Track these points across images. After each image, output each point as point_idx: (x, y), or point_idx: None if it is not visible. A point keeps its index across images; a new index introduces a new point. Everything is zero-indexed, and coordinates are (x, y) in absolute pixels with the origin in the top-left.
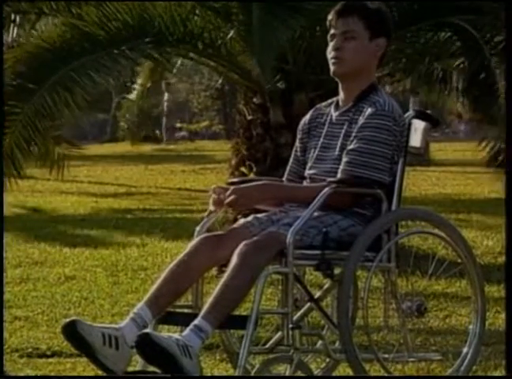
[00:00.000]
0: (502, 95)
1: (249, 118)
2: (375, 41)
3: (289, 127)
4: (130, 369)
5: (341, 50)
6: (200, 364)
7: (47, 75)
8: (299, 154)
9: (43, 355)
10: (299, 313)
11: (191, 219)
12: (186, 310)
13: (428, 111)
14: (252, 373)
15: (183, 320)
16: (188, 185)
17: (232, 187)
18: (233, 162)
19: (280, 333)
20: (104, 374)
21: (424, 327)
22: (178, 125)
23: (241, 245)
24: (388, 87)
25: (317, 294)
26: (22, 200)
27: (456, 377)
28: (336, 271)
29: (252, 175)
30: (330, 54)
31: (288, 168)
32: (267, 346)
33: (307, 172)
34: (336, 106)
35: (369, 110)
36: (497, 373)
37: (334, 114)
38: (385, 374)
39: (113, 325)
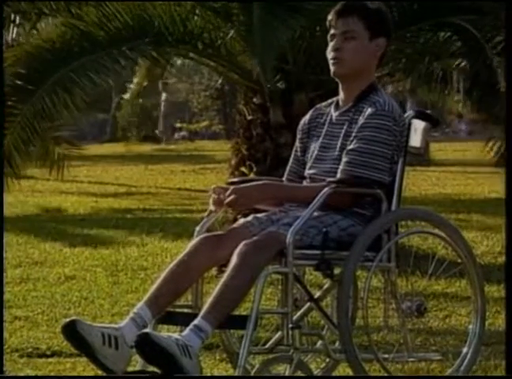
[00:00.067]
0: None
1: (249, 118)
2: (375, 41)
3: (289, 127)
4: (130, 369)
5: (341, 51)
6: (200, 364)
7: (46, 76)
8: (298, 154)
9: (43, 355)
10: (298, 313)
11: (191, 219)
12: (185, 310)
13: (428, 111)
14: (252, 373)
15: (183, 320)
16: (188, 185)
17: (232, 187)
18: (233, 162)
19: (279, 333)
20: (104, 374)
21: (424, 327)
22: (178, 125)
23: (241, 245)
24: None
25: (317, 294)
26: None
27: (456, 377)
28: (336, 271)
29: (252, 175)
30: (330, 54)
31: (287, 168)
32: (267, 346)
33: (307, 172)
34: (336, 106)
35: (369, 110)
36: (497, 373)
37: (334, 114)
38: (385, 374)
39: (113, 325)
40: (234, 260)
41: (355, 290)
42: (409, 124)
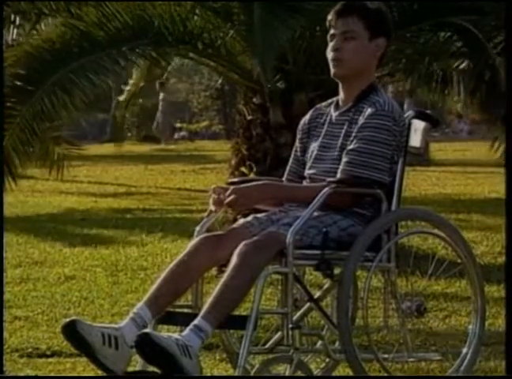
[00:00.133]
0: None
1: (249, 118)
2: (375, 41)
3: (289, 127)
4: (130, 369)
5: (341, 51)
6: (200, 364)
7: (46, 76)
8: (298, 154)
9: (43, 355)
10: (298, 313)
11: (191, 219)
12: (185, 310)
13: (428, 111)
14: (252, 373)
15: (183, 320)
16: (188, 185)
17: (232, 187)
18: (233, 162)
19: (279, 333)
20: (104, 374)
21: (424, 327)
22: (178, 125)
23: (241, 245)
24: (389, 87)
25: (317, 294)
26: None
27: (456, 377)
28: (336, 271)
29: (252, 175)
30: (330, 54)
31: (287, 168)
32: (267, 346)
33: (307, 172)
34: (336, 106)
35: (369, 111)
36: (497, 374)
37: (334, 114)
38: (385, 374)
39: (113, 325)
40: (234, 260)
41: (355, 290)
42: (409, 124)
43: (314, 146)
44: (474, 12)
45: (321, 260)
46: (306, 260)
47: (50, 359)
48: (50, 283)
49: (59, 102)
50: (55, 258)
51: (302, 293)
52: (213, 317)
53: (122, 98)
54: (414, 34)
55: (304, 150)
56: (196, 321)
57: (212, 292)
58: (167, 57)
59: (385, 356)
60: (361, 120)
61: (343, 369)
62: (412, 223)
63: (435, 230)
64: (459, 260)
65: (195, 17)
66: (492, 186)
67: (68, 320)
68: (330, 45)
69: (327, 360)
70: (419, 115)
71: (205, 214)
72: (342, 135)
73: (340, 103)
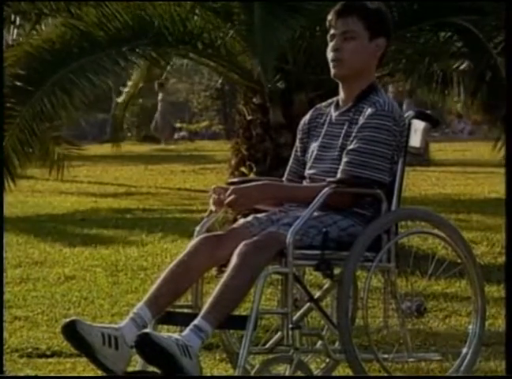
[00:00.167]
0: None
1: (249, 118)
2: (375, 41)
3: (289, 127)
4: (130, 369)
5: (341, 51)
6: (200, 364)
7: (45, 77)
8: (298, 154)
9: (42, 355)
10: (298, 313)
11: (191, 219)
12: (185, 310)
13: (428, 111)
14: (252, 373)
15: (183, 320)
16: (188, 185)
17: (232, 187)
18: (233, 162)
19: (279, 333)
20: (104, 374)
21: (424, 327)
22: (178, 125)
23: (241, 246)
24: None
25: (316, 294)
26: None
27: (456, 377)
28: (336, 271)
29: (252, 175)
30: (330, 54)
31: (287, 168)
32: (267, 346)
33: (307, 172)
34: (336, 106)
35: (369, 111)
36: (497, 374)
37: (334, 114)
38: (385, 374)
39: (113, 325)
40: (234, 260)
41: (355, 291)
42: (409, 124)
43: (314, 146)
44: (474, 12)
45: (321, 260)
46: (306, 261)
47: (50, 359)
48: (50, 283)
49: (59, 102)
50: (55, 258)
51: (302, 293)
52: (213, 317)
53: (120, 99)
54: (414, 34)
55: (304, 150)
56: (196, 321)
57: (212, 292)
58: (166, 57)
59: (385, 356)
60: (361, 120)
61: (343, 369)
62: (412, 223)
63: (435, 230)
64: (459, 261)
65: (195, 17)
66: (492, 186)
67: (68, 320)
68: (330, 45)
69: (327, 360)
70: (419, 115)
71: (205, 214)
72: (342, 135)
73: (340, 103)
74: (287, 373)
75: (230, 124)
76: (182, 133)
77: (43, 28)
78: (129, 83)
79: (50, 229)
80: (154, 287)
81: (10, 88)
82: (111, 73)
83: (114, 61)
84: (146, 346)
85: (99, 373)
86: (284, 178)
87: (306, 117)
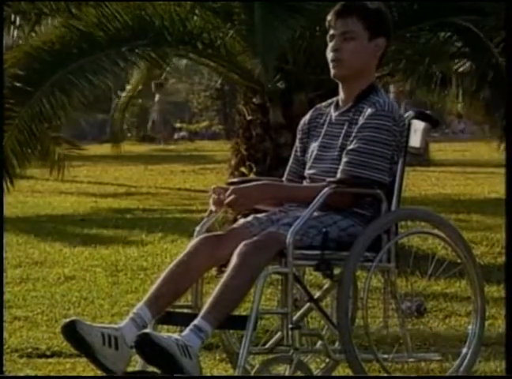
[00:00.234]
0: None
1: (248, 118)
2: (375, 41)
3: (289, 127)
4: (130, 369)
5: (340, 51)
6: (199, 364)
7: (45, 77)
8: (298, 154)
9: (42, 355)
10: (298, 314)
11: (191, 219)
12: (185, 310)
13: (428, 112)
14: (252, 373)
15: (183, 320)
16: (188, 185)
17: (232, 187)
18: (233, 162)
19: (279, 333)
20: (104, 374)
21: (424, 327)
22: (178, 125)
23: (241, 246)
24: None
25: (317, 294)
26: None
27: (456, 377)
28: (336, 271)
29: (252, 175)
30: (329, 55)
31: (287, 168)
32: (267, 346)
33: (307, 172)
34: (336, 107)
35: (369, 111)
36: (497, 374)
37: (334, 114)
38: (385, 374)
39: (112, 325)
40: (234, 260)
41: (355, 291)
42: (409, 124)
43: (313, 146)
44: (474, 12)
45: (321, 260)
46: (306, 261)
47: (50, 359)
48: (50, 283)
49: (58, 103)
50: (55, 258)
51: (302, 293)
52: (213, 317)
53: (120, 101)
54: (414, 34)
55: (304, 150)
56: (196, 321)
57: (212, 292)
58: (166, 57)
59: (385, 356)
60: (361, 120)
61: (343, 369)
62: (412, 223)
63: (435, 231)
64: (459, 261)
65: (195, 17)
66: (492, 186)
67: (68, 320)
68: (330, 45)
69: (327, 360)
70: (419, 115)
71: (205, 214)
72: (342, 135)
73: (340, 103)
74: (287, 373)
75: (230, 124)
76: (182, 133)
77: (43, 28)
78: (128, 87)
79: (50, 229)
80: (154, 287)
81: (9, 88)
82: (111, 73)
83: (113, 62)
84: (146, 346)
85: (99, 373)
86: (283, 178)
87: (306, 117)
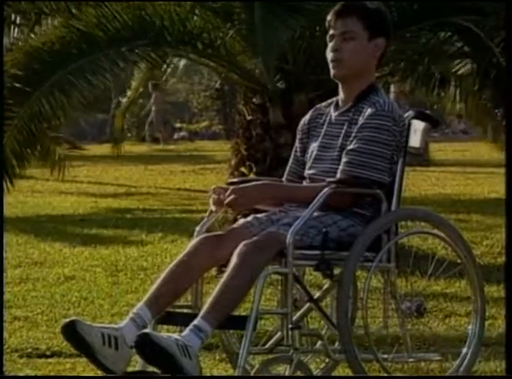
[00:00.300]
0: None
1: (248, 118)
2: (374, 41)
3: (289, 127)
4: (130, 369)
5: (340, 51)
6: (199, 364)
7: (44, 77)
8: (298, 154)
9: (42, 355)
10: (298, 314)
11: (191, 219)
12: (185, 310)
13: (428, 112)
14: (252, 373)
15: (183, 320)
16: (188, 185)
17: (232, 187)
18: (233, 162)
19: (279, 333)
20: (104, 374)
21: (424, 327)
22: (178, 125)
23: (241, 246)
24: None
25: (316, 294)
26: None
27: (456, 377)
28: (336, 271)
29: (252, 175)
30: (329, 55)
31: (287, 168)
32: (267, 346)
33: (306, 172)
34: (336, 107)
35: (369, 111)
36: (497, 374)
37: (334, 114)
38: (385, 374)
39: (112, 325)
40: (234, 260)
41: (355, 291)
42: (409, 124)
43: (313, 146)
44: (474, 12)
45: (321, 260)
46: (306, 261)
47: (49, 359)
48: (49, 284)
49: (57, 103)
50: (55, 258)
51: (302, 293)
52: (213, 317)
53: (122, 105)
54: (414, 34)
55: (304, 150)
56: (196, 321)
57: (212, 292)
58: (166, 57)
59: (385, 356)
60: (361, 120)
61: (343, 369)
62: (412, 224)
63: (435, 231)
64: (459, 261)
65: (195, 17)
66: (492, 186)
67: (67, 320)
68: (330, 45)
69: (327, 360)
70: (419, 115)
71: (206, 214)
72: (342, 135)
73: (340, 103)
74: (287, 373)
75: (230, 124)
76: (182, 133)
77: (43, 29)
78: (129, 92)
79: (50, 229)
80: (154, 287)
81: (8, 89)
82: (110, 73)
83: (112, 62)
84: (146, 346)
85: (99, 373)
86: (283, 179)
87: (306, 117)
